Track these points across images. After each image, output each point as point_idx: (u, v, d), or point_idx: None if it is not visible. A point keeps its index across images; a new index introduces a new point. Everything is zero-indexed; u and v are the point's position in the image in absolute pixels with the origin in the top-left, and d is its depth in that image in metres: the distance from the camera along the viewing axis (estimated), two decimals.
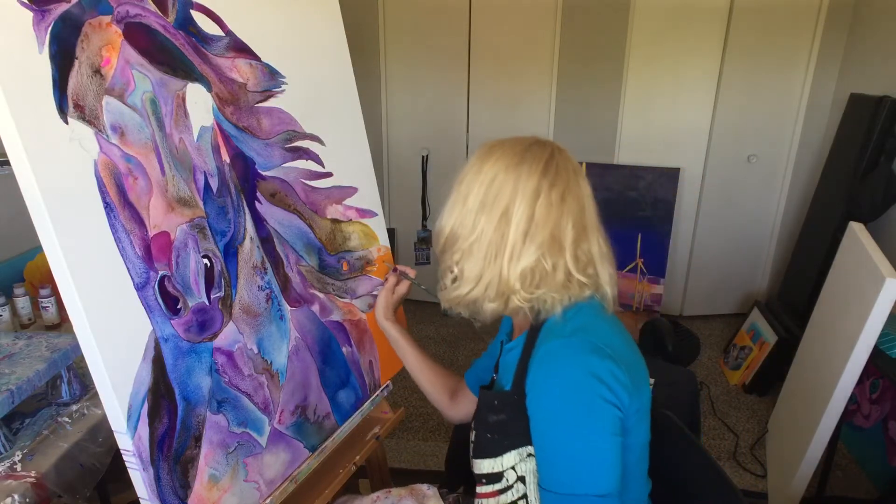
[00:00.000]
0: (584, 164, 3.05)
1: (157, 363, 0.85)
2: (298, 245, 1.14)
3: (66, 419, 1.27)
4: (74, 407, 1.30)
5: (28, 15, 0.74)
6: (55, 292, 1.66)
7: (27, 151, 0.72)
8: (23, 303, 1.67)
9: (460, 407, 1.17)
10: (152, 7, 0.90)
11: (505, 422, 0.88)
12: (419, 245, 3.43)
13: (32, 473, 1.11)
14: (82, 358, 0.79)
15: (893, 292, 1.52)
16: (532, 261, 0.84)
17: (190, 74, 0.95)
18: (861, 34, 2.74)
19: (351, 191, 1.29)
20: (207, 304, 0.94)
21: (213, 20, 1.01)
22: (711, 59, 2.94)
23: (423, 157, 3.30)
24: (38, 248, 1.67)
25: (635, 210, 3.05)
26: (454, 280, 0.90)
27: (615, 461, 0.80)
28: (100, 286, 0.78)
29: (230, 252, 0.99)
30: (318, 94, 1.22)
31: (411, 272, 1.23)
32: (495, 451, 0.88)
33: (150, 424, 0.83)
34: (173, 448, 0.86)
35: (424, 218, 3.39)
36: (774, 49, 2.90)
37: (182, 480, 0.87)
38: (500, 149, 0.88)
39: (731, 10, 2.84)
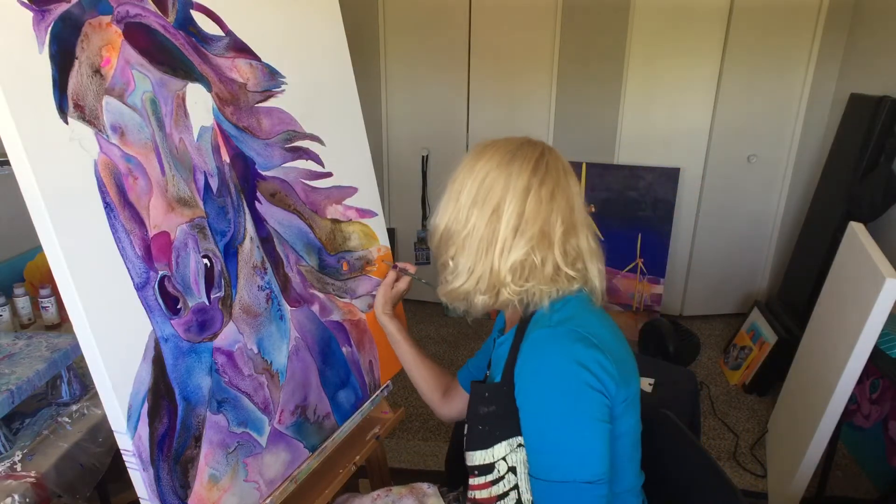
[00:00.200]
0: (584, 164, 3.05)
1: (157, 363, 0.85)
2: (298, 245, 1.15)
3: (66, 419, 1.27)
4: (74, 407, 1.30)
5: (28, 15, 0.74)
6: (55, 292, 1.66)
7: (27, 151, 0.72)
8: (23, 303, 1.67)
9: (452, 405, 1.19)
10: (152, 7, 0.90)
11: (495, 413, 0.89)
12: (419, 245, 3.43)
13: (32, 473, 1.11)
14: (82, 358, 0.79)
15: (893, 292, 1.52)
16: (522, 254, 0.86)
17: (190, 74, 0.95)
18: (861, 34, 2.74)
19: (351, 191, 1.29)
20: (207, 304, 0.94)
21: (213, 20, 1.01)
22: (711, 59, 2.94)
23: (423, 157, 3.30)
24: (38, 248, 1.67)
25: (635, 210, 3.05)
26: (450, 274, 0.93)
27: (602, 448, 0.82)
28: (100, 286, 0.78)
29: (230, 252, 0.99)
30: (318, 94, 1.22)
31: (411, 268, 1.25)
32: (486, 443, 0.90)
33: (150, 424, 0.83)
34: (173, 448, 0.86)
35: (424, 218, 3.39)
36: (774, 49, 2.90)
37: (182, 480, 0.87)
38: (492, 148, 0.91)
39: (731, 10, 2.84)
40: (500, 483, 0.89)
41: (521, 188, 0.87)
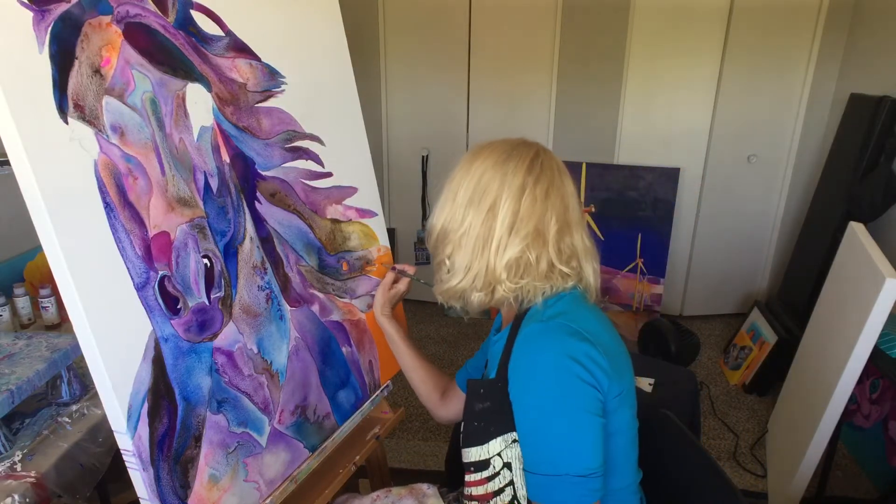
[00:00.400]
0: (584, 164, 3.05)
1: (157, 363, 0.85)
2: (298, 245, 1.15)
3: (66, 419, 1.27)
4: (74, 407, 1.30)
5: (28, 15, 0.74)
6: (55, 292, 1.66)
7: (27, 151, 0.72)
8: (23, 303, 1.67)
9: (450, 406, 1.20)
10: (152, 7, 0.90)
11: (490, 409, 0.90)
12: (419, 245, 3.43)
13: (32, 473, 1.11)
14: (82, 358, 0.79)
15: (893, 292, 1.52)
16: (517, 252, 0.88)
17: (190, 74, 0.95)
18: (861, 34, 2.74)
19: (351, 191, 1.29)
20: (207, 304, 0.94)
21: (213, 20, 1.01)
22: (711, 59, 2.94)
23: (423, 157, 3.30)
24: (38, 248, 1.67)
25: (635, 210, 3.05)
26: (446, 273, 0.95)
27: (595, 441, 0.83)
28: (100, 286, 0.78)
29: (230, 252, 0.99)
30: (318, 94, 1.22)
31: (410, 269, 1.25)
32: (482, 439, 0.90)
33: (150, 424, 0.83)
34: (173, 448, 0.86)
35: (424, 218, 3.39)
36: (774, 49, 2.90)
37: (182, 480, 0.87)
38: (488, 148, 0.93)
39: (731, 10, 2.84)
40: (496, 479, 0.90)
41: (517, 187, 0.88)
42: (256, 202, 1.06)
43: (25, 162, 0.72)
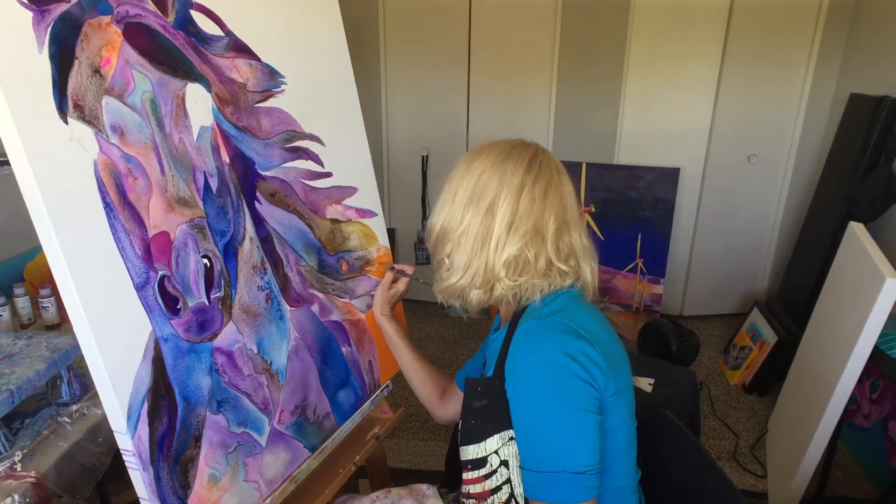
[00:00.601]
0: (584, 164, 3.05)
1: (157, 363, 0.85)
2: (298, 245, 1.15)
3: (66, 419, 1.27)
4: (74, 407, 1.30)
5: (28, 15, 0.74)
6: (55, 292, 1.66)
7: (27, 151, 0.72)
8: (23, 303, 1.67)
9: (449, 407, 1.20)
10: (152, 7, 0.90)
11: (487, 406, 0.91)
12: (419, 245, 3.43)
13: (32, 473, 1.11)
14: (82, 358, 0.79)
15: (893, 292, 1.52)
16: (516, 250, 0.89)
17: (190, 74, 0.95)
18: (861, 34, 2.74)
19: (351, 191, 1.29)
20: (207, 304, 0.94)
21: (213, 20, 1.01)
22: (711, 59, 2.94)
23: (423, 157, 3.30)
24: (38, 248, 1.67)
25: (635, 210, 3.05)
26: (445, 271, 0.95)
27: (591, 438, 0.83)
28: (100, 286, 0.78)
29: (230, 252, 0.99)
30: (318, 94, 1.22)
31: (409, 269, 1.26)
32: (479, 437, 0.91)
33: (150, 424, 0.83)
34: (173, 448, 0.86)
35: (424, 218, 3.39)
36: (774, 49, 2.90)
37: (182, 480, 0.87)
38: (486, 149, 0.94)
39: (731, 10, 2.84)
40: (493, 477, 0.90)
41: (516, 186, 0.89)
42: (256, 202, 1.06)
43: (25, 162, 0.72)
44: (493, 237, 0.89)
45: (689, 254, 3.27)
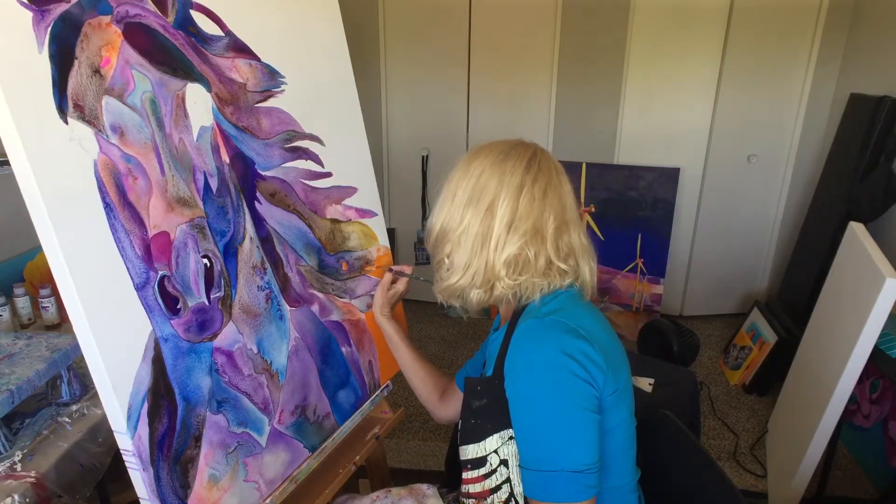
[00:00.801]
0: (584, 164, 3.05)
1: (157, 363, 0.85)
2: (298, 245, 1.15)
3: (66, 419, 1.27)
4: (74, 407, 1.30)
5: (28, 15, 0.74)
6: (55, 292, 1.66)
7: (27, 151, 0.72)
8: (23, 303, 1.67)
9: (449, 407, 1.20)
10: (152, 7, 0.90)
11: (487, 406, 0.91)
12: (419, 245, 3.43)
13: (32, 473, 1.11)
14: (82, 358, 0.79)
15: (893, 292, 1.52)
16: (516, 249, 0.89)
17: (190, 74, 0.95)
18: (861, 34, 2.74)
19: (351, 191, 1.29)
20: (207, 304, 0.94)
21: (213, 20, 1.01)
22: (711, 59, 2.94)
23: (423, 157, 3.30)
24: (38, 248, 1.67)
25: (635, 210, 3.05)
26: (445, 271, 0.96)
27: (591, 437, 0.83)
28: (100, 286, 0.78)
29: (230, 252, 0.99)
30: (318, 94, 1.22)
31: (408, 269, 1.26)
32: (479, 436, 0.91)
33: (150, 424, 0.83)
34: (173, 448, 0.86)
35: (424, 218, 3.39)
36: (774, 49, 2.90)
37: (182, 480, 0.87)
38: (486, 149, 0.94)
39: (731, 10, 2.84)
40: (493, 476, 0.90)
41: (515, 186, 0.89)
42: (256, 202, 1.06)
43: (25, 162, 0.72)
44: (492, 237, 0.89)
45: (689, 254, 3.27)
